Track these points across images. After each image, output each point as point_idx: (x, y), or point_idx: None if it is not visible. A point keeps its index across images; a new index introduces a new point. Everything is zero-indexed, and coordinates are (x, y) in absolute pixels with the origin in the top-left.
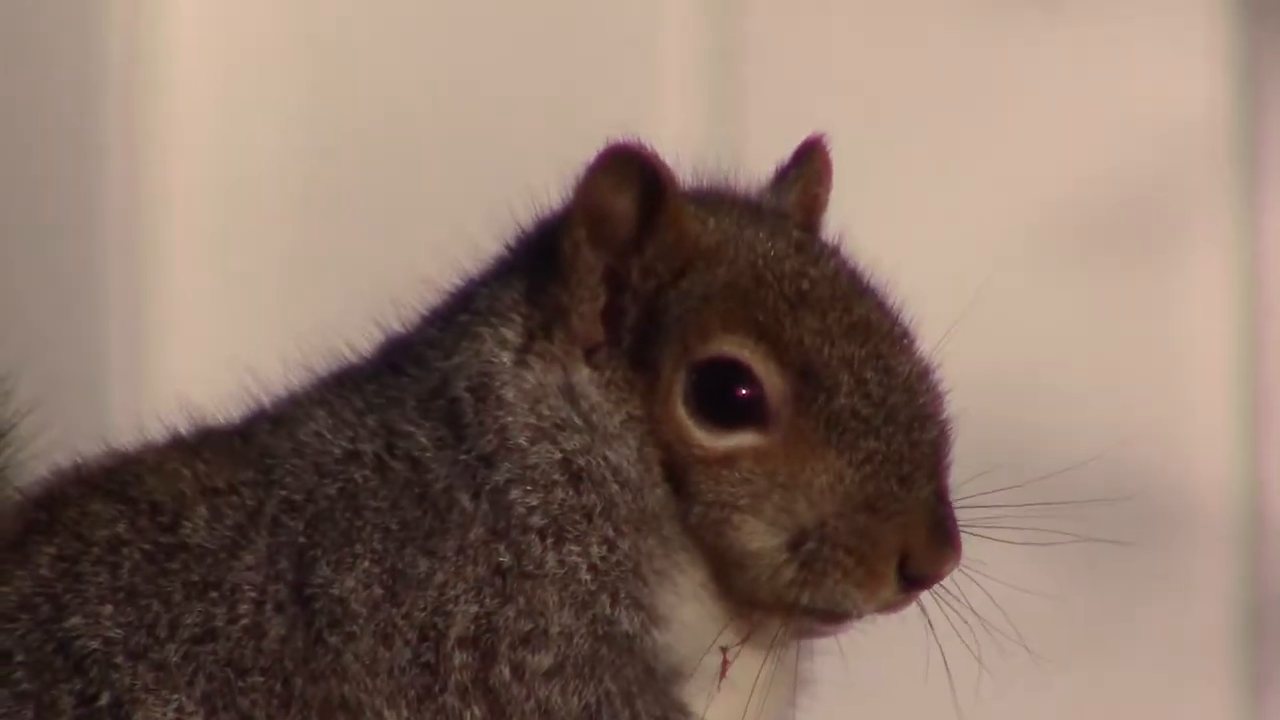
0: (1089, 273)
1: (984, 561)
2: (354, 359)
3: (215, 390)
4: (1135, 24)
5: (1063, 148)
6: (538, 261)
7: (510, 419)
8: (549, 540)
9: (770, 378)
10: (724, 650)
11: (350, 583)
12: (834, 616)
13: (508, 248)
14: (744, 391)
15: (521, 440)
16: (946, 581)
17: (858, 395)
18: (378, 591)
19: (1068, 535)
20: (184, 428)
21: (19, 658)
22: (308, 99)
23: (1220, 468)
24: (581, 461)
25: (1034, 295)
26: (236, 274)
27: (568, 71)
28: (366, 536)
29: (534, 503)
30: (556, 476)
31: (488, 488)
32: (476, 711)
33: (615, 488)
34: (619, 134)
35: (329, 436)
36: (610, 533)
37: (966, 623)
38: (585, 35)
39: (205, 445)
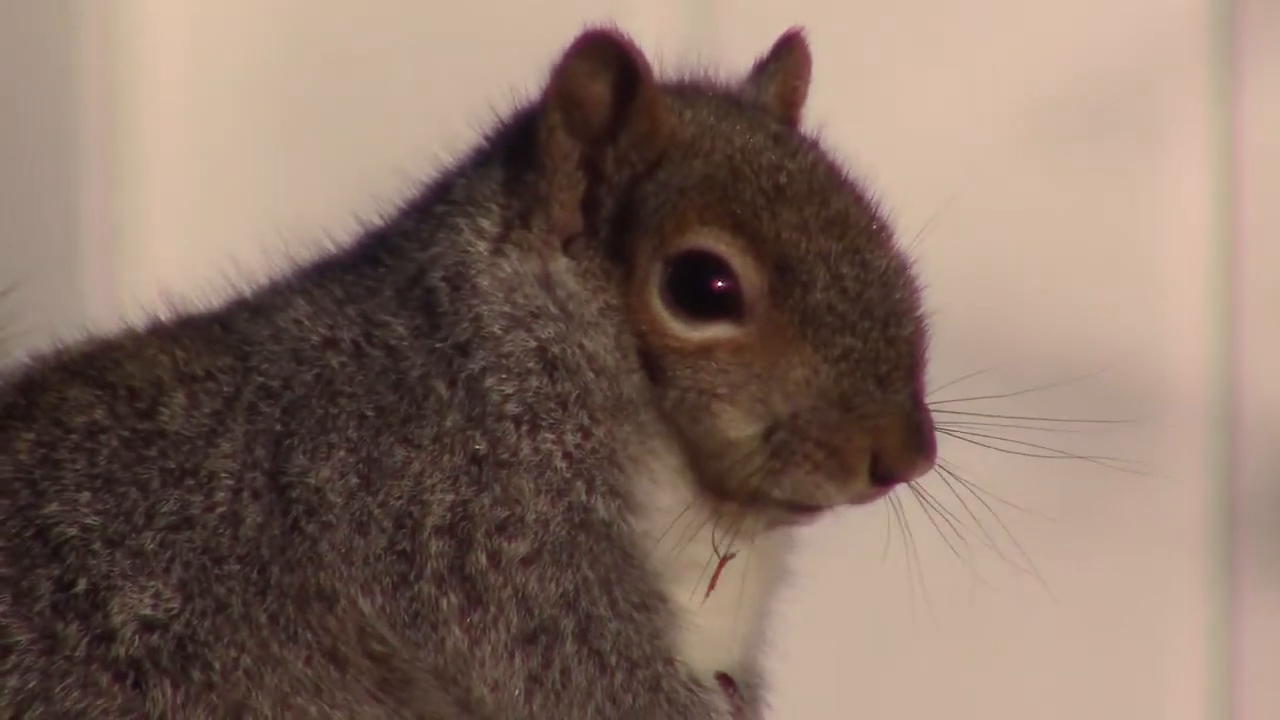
0: (1068, 165)
1: (956, 465)
2: (334, 249)
3: (193, 277)
4: None
5: (1042, 39)
6: (515, 152)
7: (485, 307)
8: (524, 428)
9: (746, 271)
10: (722, 556)
11: (326, 472)
12: (806, 508)
13: (485, 139)
14: (720, 284)
15: (496, 328)
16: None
17: (834, 290)
18: (353, 481)
19: (1046, 449)
20: (165, 315)
21: None
22: (284, 12)
23: (1198, 357)
24: (556, 349)
25: (1012, 187)
26: (214, 161)
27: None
28: (342, 425)
29: (509, 390)
30: (531, 364)
31: (463, 376)
32: (453, 599)
33: (591, 375)
34: (596, 23)
35: (307, 324)
36: (585, 420)
37: (940, 512)
38: None
39: (184, 332)
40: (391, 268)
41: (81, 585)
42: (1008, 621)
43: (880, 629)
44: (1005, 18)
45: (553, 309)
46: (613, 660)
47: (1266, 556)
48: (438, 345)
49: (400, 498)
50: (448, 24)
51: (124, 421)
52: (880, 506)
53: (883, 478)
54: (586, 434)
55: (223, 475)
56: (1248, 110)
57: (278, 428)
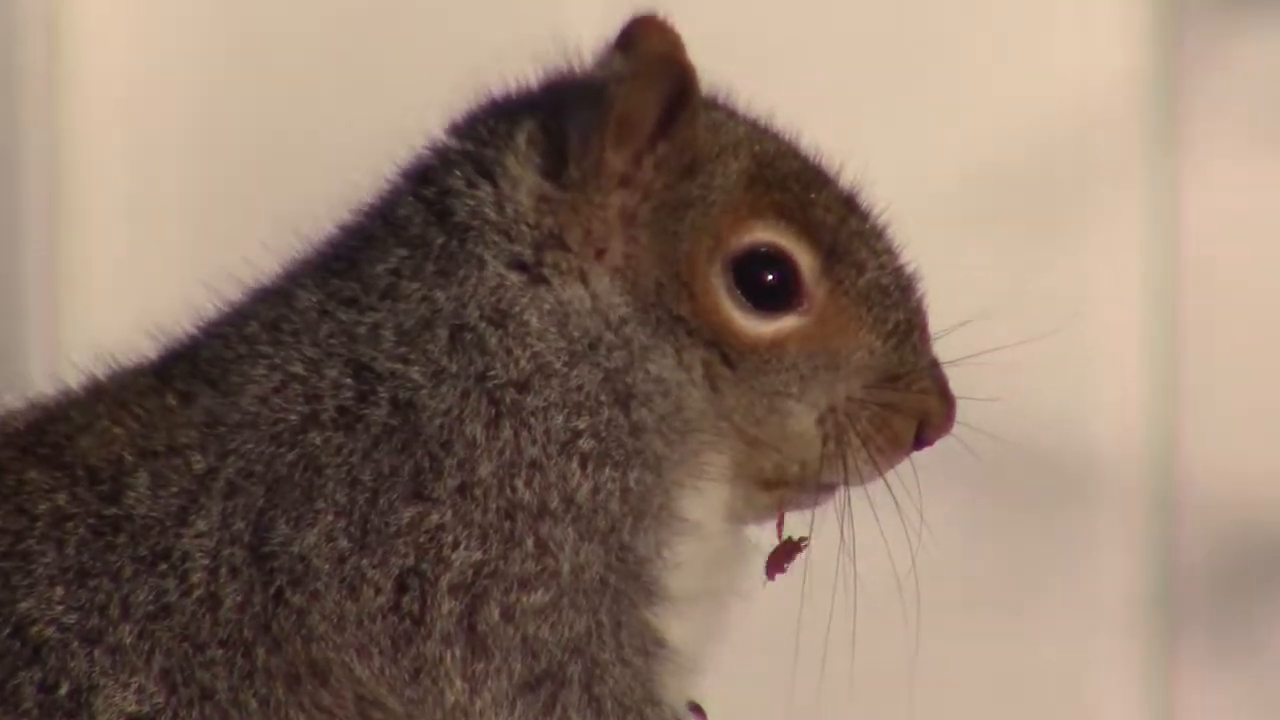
0: (1004, 242)
1: (885, 537)
2: (277, 289)
3: (136, 333)
4: None
5: (977, 115)
6: (534, 162)
7: (541, 344)
8: (590, 465)
9: (803, 257)
10: (799, 540)
11: (311, 539)
12: (830, 488)
13: (447, 152)
14: (782, 275)
15: (558, 364)
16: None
17: (877, 268)
18: (343, 544)
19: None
20: (101, 374)
21: None
22: (222, 61)
23: (1134, 431)
24: (627, 379)
25: (948, 263)
26: (151, 238)
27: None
28: (329, 491)
29: (581, 426)
30: (603, 397)
31: (517, 417)
32: (457, 652)
33: (659, 399)
34: (647, 12)
35: (279, 402)
36: (660, 446)
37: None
38: None
39: (131, 398)
40: (388, 311)
41: (64, 688)
42: (944, 699)
43: (810, 708)
44: (942, 89)
45: (609, 336)
46: (608, 706)
47: (1204, 636)
48: (478, 386)
49: (406, 555)
50: (384, 84)
51: (89, 507)
52: (795, 580)
53: (920, 443)
54: (650, 467)
55: (197, 555)
56: (1186, 183)
57: (260, 503)
